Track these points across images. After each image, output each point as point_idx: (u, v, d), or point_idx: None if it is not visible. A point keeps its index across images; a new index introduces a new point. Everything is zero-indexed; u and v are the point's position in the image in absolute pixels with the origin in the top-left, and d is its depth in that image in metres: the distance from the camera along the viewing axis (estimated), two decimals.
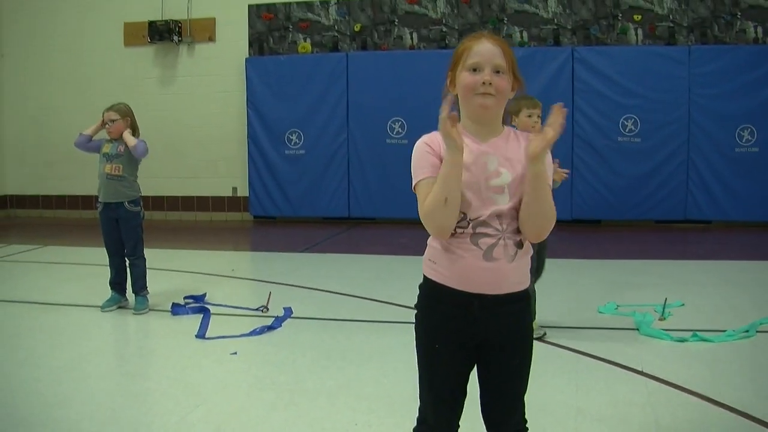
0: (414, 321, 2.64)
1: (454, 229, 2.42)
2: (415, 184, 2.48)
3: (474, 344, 2.52)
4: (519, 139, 2.52)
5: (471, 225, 2.42)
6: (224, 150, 13.20)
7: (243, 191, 13.15)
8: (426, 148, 2.48)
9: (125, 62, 13.49)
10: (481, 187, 2.41)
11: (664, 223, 11.70)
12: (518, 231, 2.46)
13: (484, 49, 2.47)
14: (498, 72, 2.45)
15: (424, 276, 2.58)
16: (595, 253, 9.12)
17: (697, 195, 11.39)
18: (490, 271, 2.43)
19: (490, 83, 2.43)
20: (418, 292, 2.63)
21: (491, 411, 2.62)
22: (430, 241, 2.55)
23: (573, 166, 11.21)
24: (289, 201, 12.68)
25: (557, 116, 2.36)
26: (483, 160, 2.43)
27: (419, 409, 2.67)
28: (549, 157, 2.48)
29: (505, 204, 2.43)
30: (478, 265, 2.42)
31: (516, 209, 2.44)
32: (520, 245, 2.47)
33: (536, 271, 5.62)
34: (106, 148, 6.47)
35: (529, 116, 5.45)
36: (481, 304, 2.46)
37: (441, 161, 2.42)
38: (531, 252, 2.54)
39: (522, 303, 2.55)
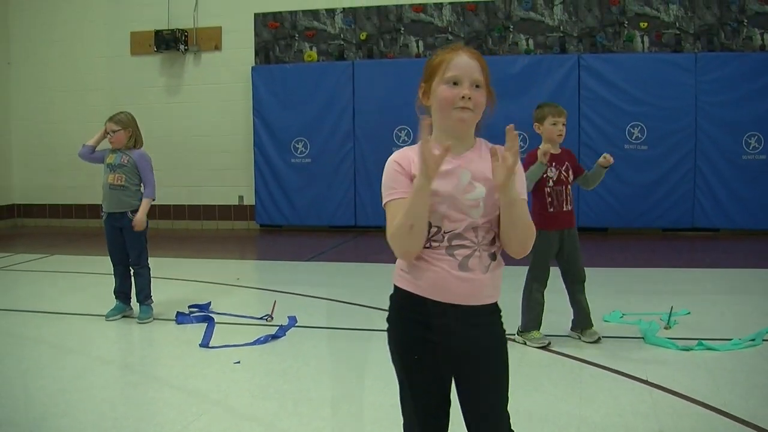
0: (386, 334, 2.62)
1: (429, 243, 2.41)
2: (384, 204, 2.47)
3: (449, 356, 2.49)
4: (492, 150, 2.50)
5: (446, 238, 2.40)
6: (230, 158, 13.22)
7: (249, 200, 13.16)
8: (395, 167, 2.47)
9: (132, 71, 13.53)
10: (455, 201, 2.40)
11: (671, 231, 11.67)
12: (492, 243, 2.45)
13: (463, 62, 2.46)
14: (476, 86, 2.45)
15: (396, 287, 2.55)
16: (601, 261, 9.08)
17: (704, 203, 11.36)
18: (465, 281, 2.41)
19: (470, 98, 2.43)
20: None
21: (476, 425, 2.57)
22: None
23: None
24: (296, 209, 12.68)
25: (512, 141, 2.34)
26: (457, 175, 2.42)
27: (404, 426, 2.61)
28: (519, 167, 2.46)
29: (480, 217, 2.42)
30: (454, 274, 2.41)
31: (491, 222, 2.44)
32: (493, 257, 2.46)
33: (544, 280, 5.61)
34: (110, 159, 6.46)
35: (554, 124, 5.46)
36: (455, 315, 2.44)
37: (412, 180, 2.42)
38: (503, 265, 2.52)
39: (495, 315, 2.54)
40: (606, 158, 5.61)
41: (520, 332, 5.58)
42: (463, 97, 2.42)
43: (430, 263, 2.42)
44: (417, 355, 2.49)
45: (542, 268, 5.57)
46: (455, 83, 2.44)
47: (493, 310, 2.53)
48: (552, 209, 5.46)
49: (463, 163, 2.44)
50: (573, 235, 5.61)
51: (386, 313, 2.59)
